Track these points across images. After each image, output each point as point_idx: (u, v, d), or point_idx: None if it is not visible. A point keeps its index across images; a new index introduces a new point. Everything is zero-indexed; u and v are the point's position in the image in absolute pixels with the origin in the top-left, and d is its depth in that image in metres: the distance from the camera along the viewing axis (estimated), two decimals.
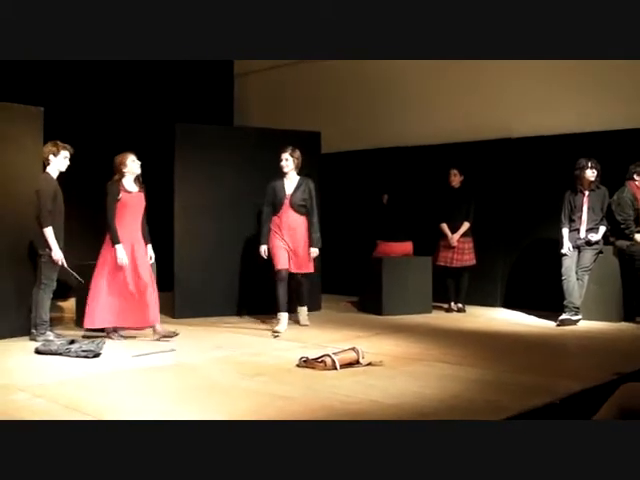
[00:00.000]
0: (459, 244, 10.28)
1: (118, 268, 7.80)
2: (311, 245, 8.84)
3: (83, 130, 10.63)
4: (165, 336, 7.90)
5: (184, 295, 9.76)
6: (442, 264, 10.39)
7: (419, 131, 11.94)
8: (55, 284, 7.99)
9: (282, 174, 8.82)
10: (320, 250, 8.95)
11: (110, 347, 7.32)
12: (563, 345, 7.91)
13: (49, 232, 7.79)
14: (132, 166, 8.06)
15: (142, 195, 8.14)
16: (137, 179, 8.15)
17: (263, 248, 8.78)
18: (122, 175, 8.02)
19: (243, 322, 9.41)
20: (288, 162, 8.78)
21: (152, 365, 6.65)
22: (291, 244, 8.77)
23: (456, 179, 10.44)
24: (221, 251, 9.85)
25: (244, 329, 8.81)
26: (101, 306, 7.80)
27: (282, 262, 8.74)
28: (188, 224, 9.78)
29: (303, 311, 9.18)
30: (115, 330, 8.03)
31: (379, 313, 10.05)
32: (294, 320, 9.07)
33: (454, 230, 10.30)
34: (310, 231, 8.85)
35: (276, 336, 8.24)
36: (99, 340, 7.22)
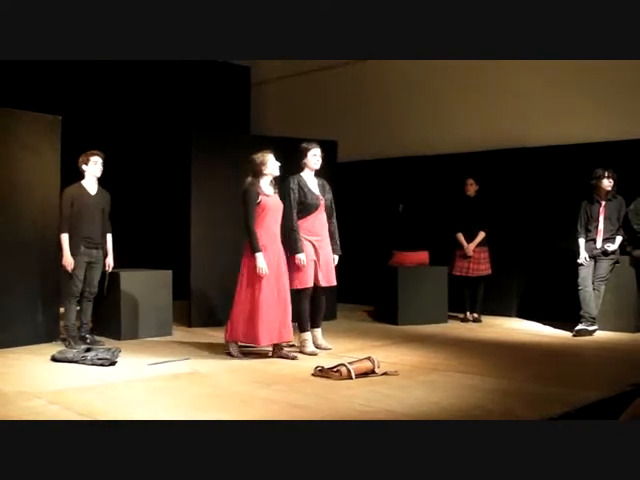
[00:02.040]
0: (475, 254, 10.26)
1: (258, 278, 7.26)
2: (334, 252, 8.02)
3: (101, 138, 10.63)
4: (285, 356, 7.47)
5: (200, 304, 9.77)
6: (458, 274, 10.36)
7: (435, 140, 11.92)
8: (77, 292, 8.03)
9: (305, 172, 7.92)
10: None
11: (125, 355, 7.33)
12: (579, 356, 7.87)
13: (62, 238, 7.94)
14: (273, 167, 7.46)
15: (277, 198, 7.57)
16: (273, 181, 7.56)
17: (302, 257, 7.65)
18: (261, 176, 7.41)
19: None
20: (319, 158, 7.89)
21: (167, 373, 6.66)
22: (322, 253, 7.85)
23: (472, 188, 10.41)
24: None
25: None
26: (247, 320, 7.33)
27: (311, 278, 7.77)
28: (204, 232, 9.78)
29: (319, 332, 8.07)
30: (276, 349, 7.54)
31: (395, 323, 10.03)
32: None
33: (470, 239, 10.27)
34: (333, 237, 8.04)
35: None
36: (114, 348, 7.24)
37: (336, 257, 8.05)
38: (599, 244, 9.14)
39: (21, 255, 7.98)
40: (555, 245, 10.44)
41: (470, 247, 10.23)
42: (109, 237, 8.39)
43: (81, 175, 8.16)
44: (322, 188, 7.97)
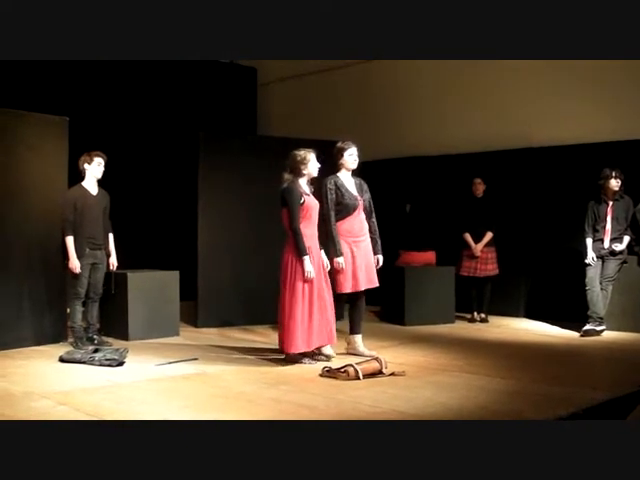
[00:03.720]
0: (482, 254, 10.25)
1: (306, 282, 7.00)
2: (376, 253, 7.77)
3: (108, 139, 10.66)
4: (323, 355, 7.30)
5: (207, 304, 9.78)
6: (466, 274, 10.34)
7: (442, 140, 11.91)
8: (82, 293, 8.05)
9: (342, 172, 7.68)
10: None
11: (133, 356, 7.34)
12: (586, 356, 7.84)
13: (67, 241, 7.94)
14: (313, 167, 7.20)
15: (314, 197, 7.29)
16: (310, 180, 7.32)
17: (341, 261, 7.39)
18: (299, 175, 7.16)
19: (266, 331, 9.41)
20: (355, 157, 7.66)
21: (175, 374, 6.67)
22: (363, 254, 7.59)
23: (479, 188, 10.40)
24: (244, 260, 9.84)
25: (266, 338, 8.81)
26: (305, 328, 7.01)
27: (361, 281, 7.54)
28: (212, 233, 9.79)
29: (360, 338, 7.74)
30: (314, 353, 7.27)
31: (401, 323, 10.03)
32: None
33: (477, 240, 10.26)
34: (374, 237, 7.79)
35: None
36: (122, 349, 7.25)
37: (379, 257, 7.80)
38: (607, 244, 9.12)
39: (28, 256, 8.01)
40: (562, 245, 10.41)
41: (477, 247, 10.22)
42: (111, 237, 8.40)
43: (81, 176, 8.16)
44: (359, 187, 7.74)
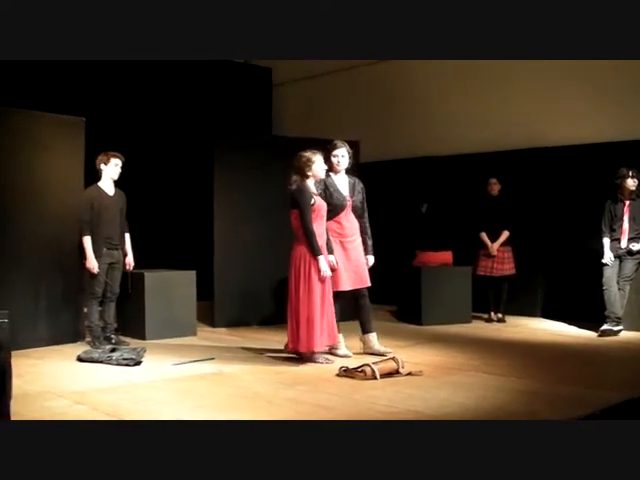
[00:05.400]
0: (499, 253, 10.23)
1: (321, 281, 7.03)
2: (367, 253, 7.74)
3: (124, 140, 10.69)
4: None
5: (224, 304, 9.79)
6: (482, 274, 10.32)
7: (458, 140, 11.89)
8: (99, 293, 8.07)
9: (334, 172, 7.65)
10: None
11: (150, 355, 7.36)
12: (604, 356, 7.82)
13: (84, 241, 7.95)
14: (318, 169, 7.18)
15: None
16: (319, 180, 7.33)
17: (331, 258, 7.26)
18: (305, 176, 7.15)
19: (282, 331, 9.40)
20: (344, 159, 7.62)
21: (192, 374, 6.68)
22: (352, 255, 7.57)
23: (495, 188, 10.38)
24: (260, 260, 9.85)
25: (283, 337, 8.80)
26: (321, 327, 7.04)
27: (345, 282, 7.47)
28: (228, 233, 9.81)
29: (375, 336, 7.75)
30: (329, 352, 7.40)
31: (418, 323, 10.02)
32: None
33: (494, 239, 10.24)
34: (365, 237, 7.76)
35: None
36: (139, 348, 7.27)
37: (370, 257, 7.76)
38: (624, 244, 9.08)
39: (44, 255, 8.05)
40: (579, 245, 10.37)
41: (494, 247, 10.20)
42: (127, 237, 8.42)
43: (98, 175, 8.19)
44: (352, 188, 7.70)
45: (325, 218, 7.23)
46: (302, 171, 7.15)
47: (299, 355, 7.21)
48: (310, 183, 7.18)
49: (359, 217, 7.74)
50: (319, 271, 6.99)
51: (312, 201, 7.05)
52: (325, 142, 7.93)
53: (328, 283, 7.13)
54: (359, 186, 7.79)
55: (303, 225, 7.02)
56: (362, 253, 7.69)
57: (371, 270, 7.75)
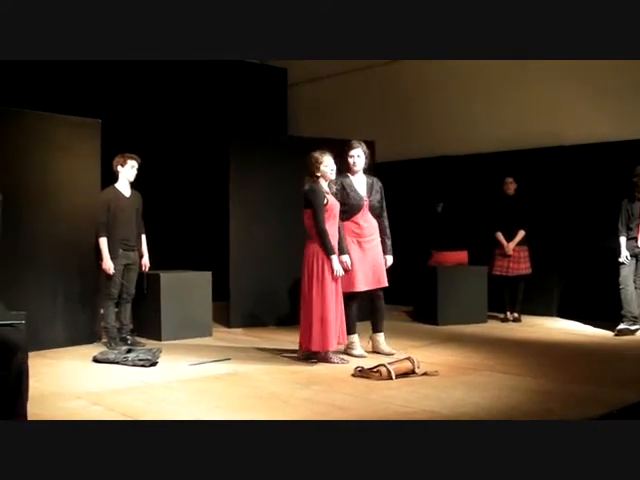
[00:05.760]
0: (515, 253, 10.20)
1: (334, 280, 7.08)
2: (386, 253, 7.74)
3: (139, 141, 10.74)
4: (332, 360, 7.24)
5: (239, 304, 9.81)
6: (498, 273, 10.30)
7: (473, 139, 11.87)
8: (115, 294, 8.10)
9: (351, 172, 7.68)
10: None
11: (166, 356, 7.38)
12: (621, 355, 7.78)
13: (101, 242, 7.98)
14: (327, 168, 7.20)
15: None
16: (331, 182, 7.33)
17: (345, 258, 7.30)
18: (315, 177, 7.20)
19: (297, 331, 9.39)
20: (360, 159, 7.63)
21: (208, 374, 6.70)
22: (370, 254, 7.58)
23: (511, 187, 10.35)
24: (276, 260, 9.85)
25: (298, 338, 8.80)
26: (335, 326, 7.08)
27: (361, 282, 7.50)
28: (243, 233, 9.82)
29: (382, 337, 7.81)
30: (344, 351, 7.50)
31: (434, 323, 10.01)
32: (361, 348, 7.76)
33: (509, 238, 10.22)
34: (384, 237, 7.74)
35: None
36: (155, 349, 7.30)
37: (388, 257, 7.77)
38: None
39: (61, 256, 8.09)
40: (595, 244, 10.33)
41: (510, 246, 10.18)
42: (143, 238, 8.45)
43: (114, 177, 8.22)
44: (370, 187, 7.71)
45: (338, 218, 7.26)
46: (311, 171, 7.21)
47: (312, 354, 7.23)
48: (323, 183, 7.20)
49: (378, 217, 7.75)
50: (332, 270, 7.02)
51: (325, 201, 7.09)
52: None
53: (340, 283, 7.16)
54: (377, 186, 7.79)
55: (316, 225, 7.07)
56: (380, 253, 7.70)
57: (388, 270, 7.76)
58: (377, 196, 7.75)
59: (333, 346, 7.11)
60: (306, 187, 7.21)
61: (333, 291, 7.08)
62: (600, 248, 10.12)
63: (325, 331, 7.04)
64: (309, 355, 7.25)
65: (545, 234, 10.73)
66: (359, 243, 7.59)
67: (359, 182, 7.71)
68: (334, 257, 7.03)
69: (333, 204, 7.17)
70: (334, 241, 7.14)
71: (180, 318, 8.79)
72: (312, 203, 7.09)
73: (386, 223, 7.83)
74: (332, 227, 7.15)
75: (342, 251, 7.35)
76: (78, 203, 8.26)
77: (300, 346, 7.32)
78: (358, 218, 7.61)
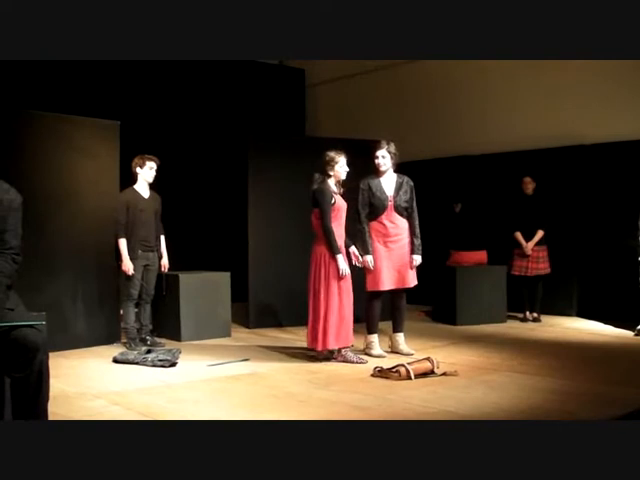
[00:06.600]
0: (534, 252, 10.17)
1: (340, 280, 7.09)
2: (413, 252, 7.69)
3: (158, 142, 10.77)
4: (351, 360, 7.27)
5: (258, 305, 9.83)
6: (517, 273, 10.27)
7: (492, 139, 11.84)
8: (135, 294, 8.12)
9: (378, 173, 7.69)
10: None
11: (186, 357, 7.40)
12: None
13: (120, 243, 8.04)
14: (340, 169, 7.26)
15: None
16: (340, 181, 7.35)
17: (369, 259, 7.48)
18: (328, 175, 7.24)
19: None
20: (385, 159, 7.63)
21: (227, 374, 6.71)
22: (395, 254, 7.60)
23: (530, 187, 10.32)
24: (295, 261, 9.83)
25: None
26: (342, 325, 7.12)
27: (386, 281, 7.56)
28: (262, 234, 9.84)
29: (402, 337, 7.85)
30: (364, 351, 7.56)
31: (453, 323, 10.00)
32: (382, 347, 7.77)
33: (528, 238, 10.18)
34: (412, 237, 7.71)
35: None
36: (175, 349, 7.31)
37: (416, 257, 7.69)
38: None
39: (81, 258, 8.13)
40: (615, 243, 10.28)
41: (529, 246, 10.15)
42: (162, 239, 8.48)
43: (133, 178, 8.25)
44: (398, 187, 7.70)
45: (344, 219, 7.29)
46: (325, 170, 7.25)
47: (331, 354, 7.27)
48: (331, 183, 7.24)
49: (407, 217, 7.74)
50: (338, 270, 7.05)
51: (332, 200, 7.11)
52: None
53: (347, 283, 7.17)
54: (407, 185, 7.78)
55: (322, 224, 7.10)
56: (407, 253, 7.68)
57: (417, 270, 7.76)
58: (405, 196, 7.71)
59: (333, 345, 7.14)
60: (314, 186, 7.24)
61: (338, 290, 7.10)
62: (619, 248, 10.06)
63: (326, 330, 7.08)
64: (329, 354, 7.25)
65: (564, 234, 10.69)
66: (385, 243, 7.61)
67: (387, 182, 7.71)
68: (340, 256, 7.07)
69: (340, 204, 7.21)
70: (340, 241, 7.17)
71: (199, 318, 8.82)
72: (319, 202, 7.13)
73: (415, 223, 7.78)
74: (339, 227, 7.19)
75: (367, 251, 7.48)
76: (97, 204, 8.30)
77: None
78: (383, 218, 7.64)
